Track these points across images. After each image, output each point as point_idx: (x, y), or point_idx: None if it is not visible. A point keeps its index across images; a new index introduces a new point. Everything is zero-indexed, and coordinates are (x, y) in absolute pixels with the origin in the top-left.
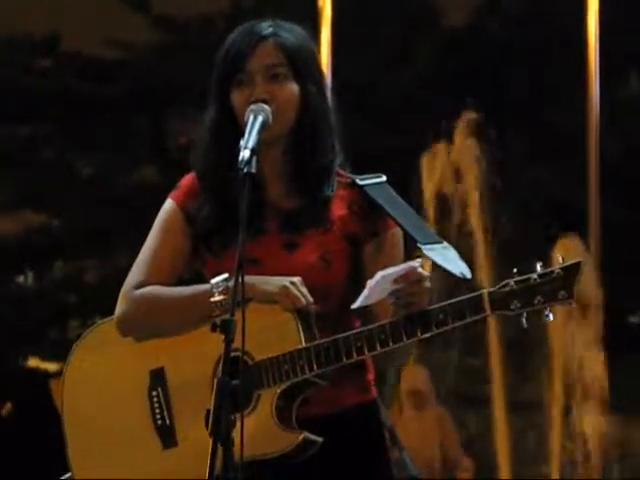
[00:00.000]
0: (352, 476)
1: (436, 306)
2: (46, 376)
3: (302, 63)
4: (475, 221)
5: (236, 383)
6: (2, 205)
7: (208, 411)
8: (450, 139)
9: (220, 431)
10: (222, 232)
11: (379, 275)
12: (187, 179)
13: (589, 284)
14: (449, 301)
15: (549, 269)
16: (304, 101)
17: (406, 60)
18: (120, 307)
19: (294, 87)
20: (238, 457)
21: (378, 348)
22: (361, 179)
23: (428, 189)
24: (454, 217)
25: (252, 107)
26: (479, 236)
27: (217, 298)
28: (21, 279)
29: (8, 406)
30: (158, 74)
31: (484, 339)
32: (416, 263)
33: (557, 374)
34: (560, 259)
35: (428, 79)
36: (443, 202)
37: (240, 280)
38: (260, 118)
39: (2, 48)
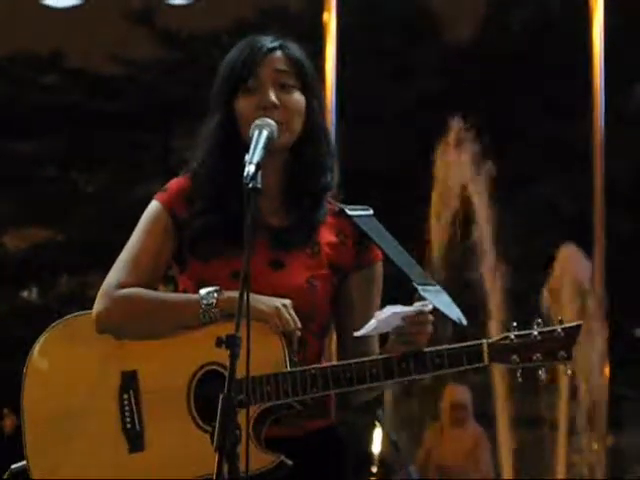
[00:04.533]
0: None
1: (433, 349)
2: None
3: (308, 77)
4: (480, 235)
5: (241, 398)
6: (7, 221)
7: (213, 427)
8: (454, 152)
9: (226, 446)
10: (213, 239)
11: (390, 310)
12: (176, 182)
13: (593, 297)
14: (448, 346)
15: (550, 328)
16: (308, 115)
17: (411, 73)
18: (100, 304)
19: (302, 98)
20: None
21: (368, 382)
22: (350, 209)
23: (433, 203)
24: (459, 231)
25: (257, 122)
26: (484, 251)
27: (205, 310)
28: (26, 294)
29: (11, 421)
30: (162, 90)
31: None
32: (427, 307)
33: (562, 388)
34: (559, 319)
35: (432, 92)
36: (448, 216)
37: (245, 297)
38: (265, 133)
39: (7, 64)
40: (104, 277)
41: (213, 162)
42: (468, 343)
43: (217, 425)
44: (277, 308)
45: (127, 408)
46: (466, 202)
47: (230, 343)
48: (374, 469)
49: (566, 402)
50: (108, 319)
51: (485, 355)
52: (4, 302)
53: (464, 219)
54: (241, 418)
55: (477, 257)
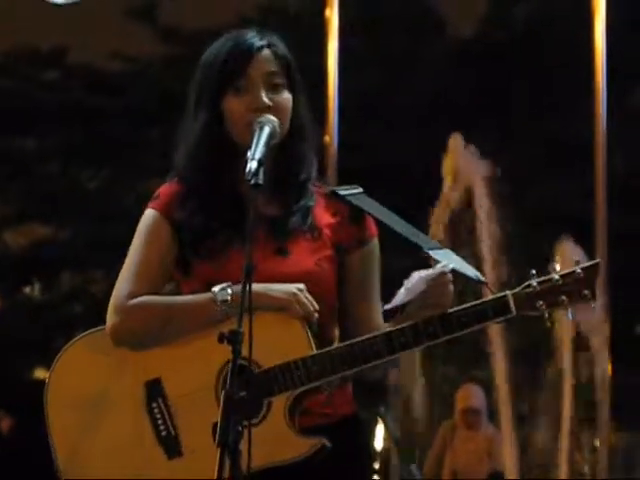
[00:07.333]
0: None
1: (458, 308)
2: None
3: (295, 74)
4: (482, 235)
5: (243, 394)
6: (10, 217)
7: (216, 423)
8: (456, 150)
9: (228, 442)
10: (214, 237)
11: (416, 275)
12: (166, 188)
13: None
14: (472, 303)
15: (569, 269)
16: (294, 112)
17: (413, 71)
18: (114, 317)
19: (290, 97)
20: (246, 466)
21: (398, 351)
22: (341, 189)
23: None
24: (461, 230)
25: (259, 119)
26: (486, 250)
27: (221, 307)
28: (28, 290)
29: (6, 422)
30: (164, 86)
31: (489, 351)
32: (447, 267)
33: (565, 385)
34: (576, 260)
35: (434, 90)
36: (450, 215)
37: (248, 289)
38: (267, 129)
39: (9, 61)
40: (106, 273)
41: (203, 162)
42: (491, 297)
43: (219, 421)
44: (295, 294)
45: (158, 416)
46: (468, 202)
47: (232, 338)
48: (376, 465)
49: (569, 400)
50: (124, 331)
51: (512, 305)
52: (6, 298)
53: (466, 219)
54: (277, 405)
55: (478, 258)
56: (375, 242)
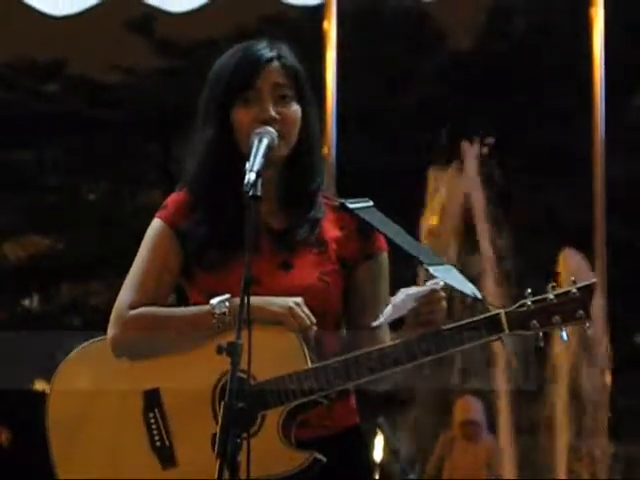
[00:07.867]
0: None
1: (451, 325)
2: None
3: (304, 86)
4: (482, 245)
5: (242, 406)
6: (8, 229)
7: (214, 435)
8: (454, 161)
9: (227, 453)
10: (217, 249)
11: (403, 293)
12: (174, 198)
13: (594, 303)
14: (465, 321)
15: (565, 289)
16: (304, 123)
17: (411, 82)
18: (114, 327)
19: (298, 108)
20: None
21: (391, 367)
22: (350, 202)
23: (433, 211)
24: (459, 241)
25: (257, 130)
26: (486, 259)
27: (219, 319)
28: (27, 302)
29: (5, 435)
30: (162, 98)
31: (489, 361)
32: (438, 284)
33: (562, 394)
34: (572, 279)
35: (432, 101)
36: (448, 225)
37: (246, 302)
38: (265, 141)
39: (7, 72)
40: (105, 285)
41: (210, 173)
42: (485, 315)
43: (218, 432)
44: (290, 307)
45: (154, 426)
46: (466, 211)
47: (231, 350)
48: (376, 476)
49: (567, 409)
50: (124, 341)
51: (504, 324)
52: (5, 311)
53: (465, 230)
54: (270, 418)
55: (479, 267)
56: (384, 257)
